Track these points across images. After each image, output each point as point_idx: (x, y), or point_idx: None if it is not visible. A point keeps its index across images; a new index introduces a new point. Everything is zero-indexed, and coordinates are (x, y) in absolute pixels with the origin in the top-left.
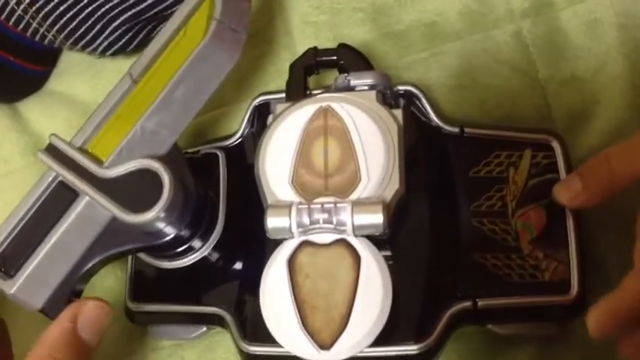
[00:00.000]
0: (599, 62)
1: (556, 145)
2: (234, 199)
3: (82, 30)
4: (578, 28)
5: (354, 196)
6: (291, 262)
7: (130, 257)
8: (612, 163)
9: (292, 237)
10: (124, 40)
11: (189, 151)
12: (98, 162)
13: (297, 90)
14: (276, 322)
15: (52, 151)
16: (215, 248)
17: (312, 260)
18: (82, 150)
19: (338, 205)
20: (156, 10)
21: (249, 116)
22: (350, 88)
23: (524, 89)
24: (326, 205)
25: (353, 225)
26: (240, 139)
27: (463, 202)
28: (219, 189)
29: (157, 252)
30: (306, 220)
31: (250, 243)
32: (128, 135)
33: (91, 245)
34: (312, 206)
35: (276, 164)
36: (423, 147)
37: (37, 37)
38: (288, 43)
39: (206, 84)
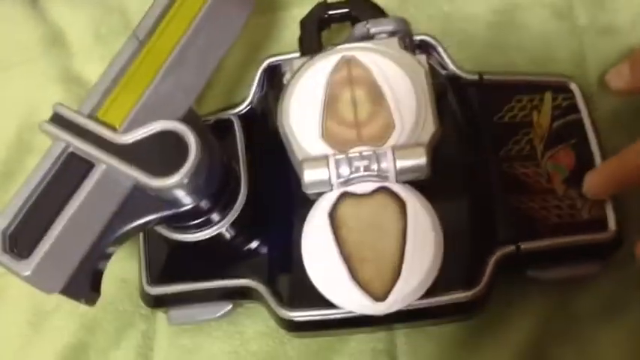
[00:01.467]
0: (637, 15)
1: (574, 87)
2: (253, 165)
3: None
4: None
5: (390, 142)
6: (333, 215)
7: (141, 240)
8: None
9: (331, 190)
10: None
11: None
12: (112, 129)
13: (312, 44)
14: (325, 279)
15: (59, 120)
16: (239, 217)
17: (355, 211)
18: (91, 117)
19: (377, 152)
20: None
21: (259, 80)
22: (369, 37)
23: (562, 34)
24: (365, 153)
25: (396, 170)
26: (250, 105)
27: (491, 147)
28: (237, 156)
29: (178, 223)
30: (345, 170)
31: (275, 209)
32: (141, 99)
33: (111, 218)
34: (350, 155)
35: (303, 120)
36: (445, 95)
37: None
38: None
39: (221, 38)
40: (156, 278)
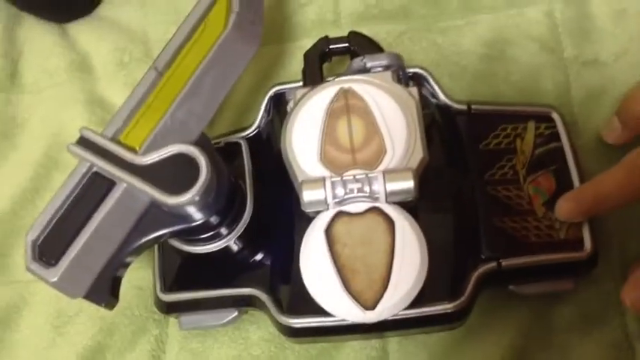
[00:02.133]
0: (622, 49)
1: (556, 117)
2: (258, 184)
3: None
4: (606, 15)
5: (381, 167)
6: (328, 232)
7: (156, 250)
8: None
9: (327, 209)
10: None
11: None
12: (132, 151)
13: (314, 76)
14: (320, 289)
15: (84, 143)
16: (245, 232)
17: (348, 229)
18: (114, 140)
19: (369, 175)
20: None
21: (266, 106)
22: (366, 70)
23: (549, 66)
24: (358, 176)
25: (386, 192)
26: (257, 129)
27: (477, 172)
28: (244, 176)
29: (190, 237)
30: (340, 191)
31: (278, 225)
32: (159, 124)
33: (129, 231)
34: (344, 178)
35: (304, 144)
36: (435, 123)
37: None
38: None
39: (230, 72)
40: (169, 286)
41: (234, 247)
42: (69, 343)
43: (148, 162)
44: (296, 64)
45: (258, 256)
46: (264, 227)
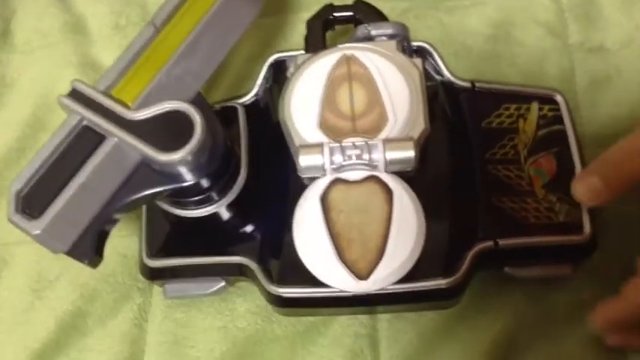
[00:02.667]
0: (628, 37)
1: (560, 100)
2: (253, 152)
3: None
4: (613, 3)
5: (381, 135)
6: (324, 199)
7: (143, 214)
8: (634, 159)
9: (324, 175)
10: None
11: None
12: (125, 106)
13: (316, 43)
14: (313, 256)
15: (76, 95)
16: (237, 198)
17: (345, 196)
18: (106, 94)
19: (369, 142)
20: None
21: (265, 74)
22: (370, 38)
23: (554, 51)
24: (357, 143)
25: (385, 160)
26: (255, 97)
27: (478, 149)
28: (240, 141)
29: (180, 198)
30: (338, 157)
31: (271, 194)
32: (153, 80)
33: (118, 188)
34: (343, 145)
35: (303, 109)
36: (437, 98)
37: None
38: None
39: (229, 33)
40: (155, 252)
41: (225, 214)
42: (47, 307)
43: (141, 117)
44: (297, 36)
45: (249, 225)
46: (257, 195)
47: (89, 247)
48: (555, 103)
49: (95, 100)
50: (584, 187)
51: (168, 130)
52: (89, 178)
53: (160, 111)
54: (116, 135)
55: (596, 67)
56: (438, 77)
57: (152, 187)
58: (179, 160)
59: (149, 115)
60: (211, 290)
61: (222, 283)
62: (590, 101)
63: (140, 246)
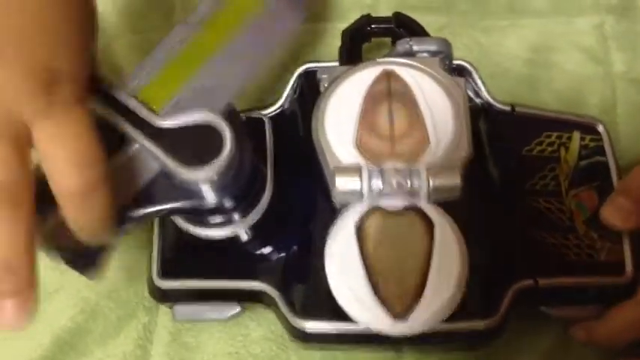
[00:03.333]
0: None
1: (602, 130)
2: (279, 168)
3: None
4: None
5: (422, 160)
6: (359, 227)
7: (156, 230)
8: None
9: (361, 201)
10: None
11: None
12: (151, 111)
13: (352, 55)
14: (346, 291)
15: (100, 94)
16: (260, 220)
17: (382, 226)
18: (132, 96)
19: (411, 168)
20: None
21: (293, 84)
22: (411, 54)
23: (595, 79)
24: (399, 168)
25: (429, 188)
26: (280, 108)
27: (518, 179)
28: (266, 157)
29: (196, 217)
30: (378, 183)
31: (296, 215)
32: (185, 85)
33: (130, 198)
34: (384, 168)
35: (338, 127)
36: (476, 122)
37: None
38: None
39: (271, 40)
40: (167, 272)
41: (246, 236)
42: (44, 322)
43: (167, 125)
44: (327, 46)
45: (271, 249)
46: (281, 217)
47: (92, 259)
48: (597, 133)
49: (119, 101)
50: (612, 207)
51: (194, 143)
52: None
53: (189, 121)
54: (138, 141)
55: (638, 98)
56: (476, 99)
57: (168, 202)
58: (203, 178)
59: (176, 125)
60: (225, 316)
61: (238, 309)
62: (632, 133)
63: (150, 264)
